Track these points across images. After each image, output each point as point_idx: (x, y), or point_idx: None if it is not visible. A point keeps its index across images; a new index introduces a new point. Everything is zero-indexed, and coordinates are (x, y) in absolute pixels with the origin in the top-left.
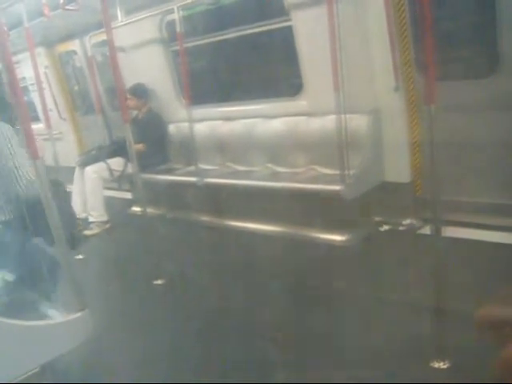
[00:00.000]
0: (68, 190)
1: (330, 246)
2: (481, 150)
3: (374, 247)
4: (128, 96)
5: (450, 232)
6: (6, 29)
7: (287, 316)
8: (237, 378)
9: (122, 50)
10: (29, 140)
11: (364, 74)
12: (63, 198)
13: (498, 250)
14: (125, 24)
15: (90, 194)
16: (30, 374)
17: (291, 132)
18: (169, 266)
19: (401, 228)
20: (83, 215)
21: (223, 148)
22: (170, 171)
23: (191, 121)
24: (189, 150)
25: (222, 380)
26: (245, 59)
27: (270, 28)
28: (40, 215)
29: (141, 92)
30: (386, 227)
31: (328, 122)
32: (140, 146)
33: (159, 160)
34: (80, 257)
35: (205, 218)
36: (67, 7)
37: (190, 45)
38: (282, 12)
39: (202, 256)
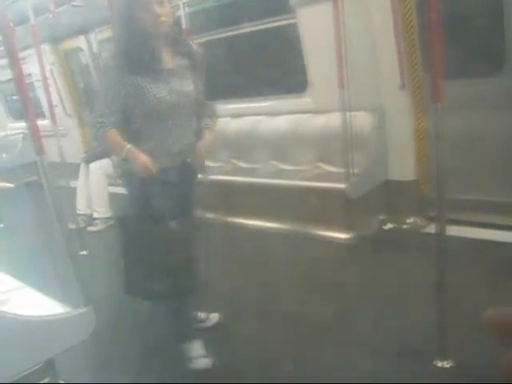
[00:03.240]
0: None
1: (334, 244)
2: (486, 146)
3: (378, 245)
4: None
5: (455, 231)
6: (11, 25)
7: (287, 311)
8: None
9: None
10: (34, 136)
11: (369, 71)
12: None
13: (503, 250)
14: None
15: (95, 190)
16: (33, 369)
17: (296, 129)
18: None
19: (405, 226)
20: (88, 211)
21: (228, 145)
22: None
23: None
24: None
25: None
26: (250, 56)
27: (275, 25)
28: None
29: None
30: (390, 225)
31: (333, 120)
32: None
33: None
34: (84, 252)
35: (208, 215)
36: (73, 3)
37: (195, 42)
38: (288, 9)
39: (205, 252)
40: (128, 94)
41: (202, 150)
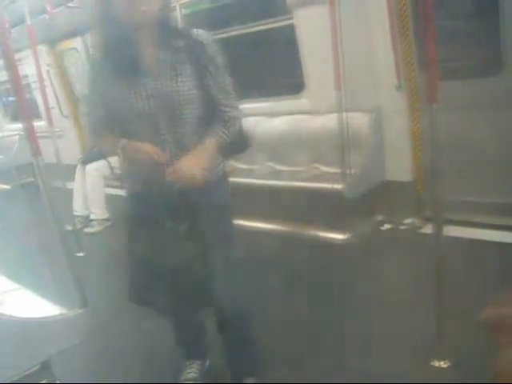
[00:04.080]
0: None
1: (331, 244)
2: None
3: (375, 246)
4: None
5: (452, 231)
6: (8, 26)
7: (285, 313)
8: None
9: None
10: (31, 137)
11: (366, 72)
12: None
13: (499, 250)
14: None
15: (92, 191)
16: (30, 371)
17: (293, 130)
18: None
19: (402, 227)
20: (85, 213)
21: None
22: None
23: None
24: None
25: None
26: (246, 57)
27: (271, 26)
28: None
29: None
30: (387, 226)
31: (330, 121)
32: None
33: None
34: (81, 254)
35: None
36: (69, 5)
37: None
38: (285, 10)
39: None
40: (106, 100)
41: (179, 168)
